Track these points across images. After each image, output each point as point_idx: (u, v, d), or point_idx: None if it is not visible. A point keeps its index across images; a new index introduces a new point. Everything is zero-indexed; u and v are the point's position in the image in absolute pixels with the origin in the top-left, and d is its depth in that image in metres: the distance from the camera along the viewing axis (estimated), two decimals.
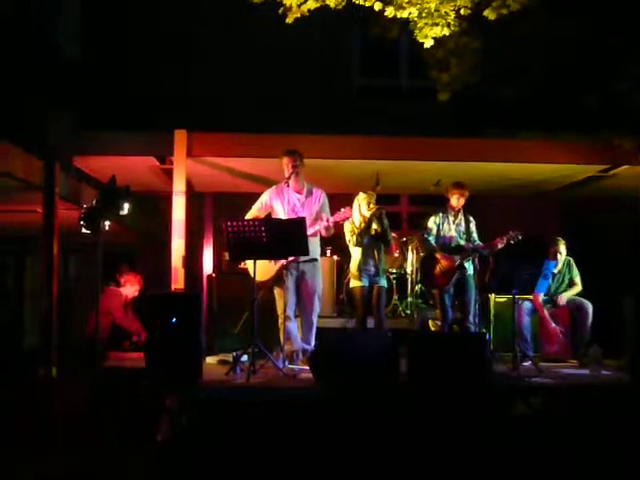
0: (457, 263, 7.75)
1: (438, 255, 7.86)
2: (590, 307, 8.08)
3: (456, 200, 7.92)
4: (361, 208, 7.57)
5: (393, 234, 8.63)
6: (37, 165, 7.48)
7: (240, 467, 5.53)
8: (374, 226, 7.53)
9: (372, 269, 7.56)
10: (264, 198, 7.43)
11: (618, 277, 9.21)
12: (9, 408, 6.68)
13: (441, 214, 8.00)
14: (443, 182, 8.33)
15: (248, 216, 7.33)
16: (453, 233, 7.96)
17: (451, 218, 7.98)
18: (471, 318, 7.82)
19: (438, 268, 7.86)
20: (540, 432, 5.80)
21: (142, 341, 8.69)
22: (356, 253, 7.61)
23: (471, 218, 8.06)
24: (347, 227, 7.57)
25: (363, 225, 7.53)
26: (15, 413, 6.58)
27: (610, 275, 9.32)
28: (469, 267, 7.87)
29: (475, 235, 8.03)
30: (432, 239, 7.96)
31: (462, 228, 7.98)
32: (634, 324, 6.89)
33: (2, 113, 7.54)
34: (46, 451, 5.90)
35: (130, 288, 8.99)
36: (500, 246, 7.66)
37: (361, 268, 7.52)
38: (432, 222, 8.00)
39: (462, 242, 7.92)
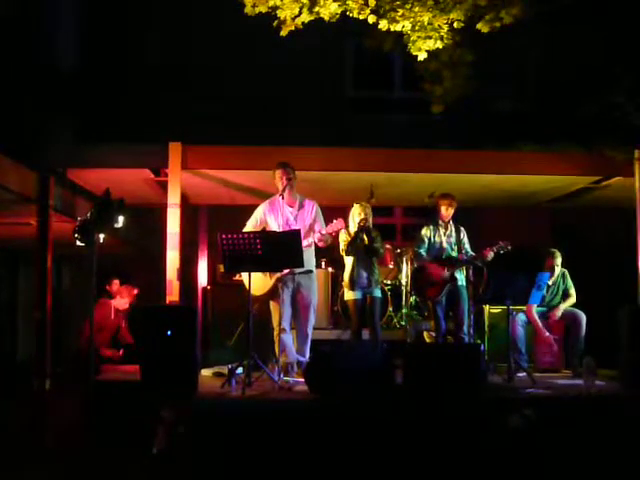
0: (447, 274, 7.77)
1: (427, 265, 7.88)
2: (584, 318, 8.11)
3: (445, 210, 7.96)
4: (354, 219, 7.61)
5: (388, 245, 8.64)
6: (31, 178, 7.50)
7: (235, 478, 5.53)
8: (363, 237, 7.55)
9: (365, 281, 7.57)
10: (258, 214, 7.41)
11: (611, 288, 9.25)
12: (2, 420, 6.65)
13: (432, 226, 8.02)
14: (437, 194, 8.36)
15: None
16: (444, 244, 7.98)
17: (442, 229, 8.01)
18: (465, 329, 7.83)
19: (429, 279, 7.88)
20: (534, 443, 5.79)
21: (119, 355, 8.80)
22: (349, 264, 7.63)
23: (462, 228, 8.09)
24: (342, 237, 7.60)
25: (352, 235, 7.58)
26: (9, 425, 6.56)
27: (603, 286, 9.35)
28: (461, 278, 7.89)
29: (467, 246, 8.05)
30: (423, 251, 7.98)
31: (452, 239, 8.00)
32: (628, 335, 6.90)
33: None
34: (40, 464, 5.87)
35: (120, 300, 9.03)
36: (490, 256, 7.69)
37: (354, 279, 7.54)
38: (423, 234, 8.02)
39: (453, 253, 7.94)
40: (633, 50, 8.11)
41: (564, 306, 8.27)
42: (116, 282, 9.19)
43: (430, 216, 8.15)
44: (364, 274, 7.57)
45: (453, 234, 8.02)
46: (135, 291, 9.14)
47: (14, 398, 7.23)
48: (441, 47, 7.40)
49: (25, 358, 10.31)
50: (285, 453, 5.58)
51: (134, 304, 9.12)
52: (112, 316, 8.97)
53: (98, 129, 9.12)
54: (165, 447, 5.60)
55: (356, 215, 7.62)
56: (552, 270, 8.28)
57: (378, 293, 7.70)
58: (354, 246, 7.55)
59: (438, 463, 5.61)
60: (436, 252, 7.97)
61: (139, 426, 5.79)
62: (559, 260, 8.32)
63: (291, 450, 5.60)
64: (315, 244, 7.23)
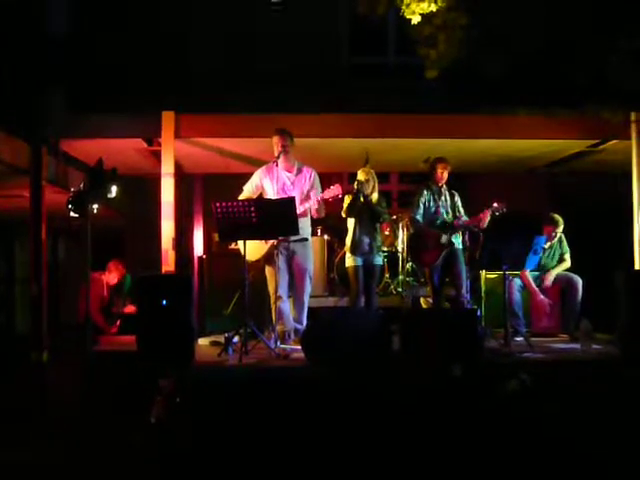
0: (445, 239, 7.72)
1: (424, 230, 7.85)
2: (580, 282, 8.10)
3: (440, 174, 7.91)
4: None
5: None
6: (23, 149, 7.44)
7: (233, 446, 5.53)
8: (360, 199, 7.53)
9: (366, 247, 7.56)
10: (254, 179, 7.39)
11: (608, 252, 9.23)
12: (1, 393, 6.66)
13: (426, 191, 7.98)
14: (432, 159, 8.32)
15: (240, 198, 7.28)
16: (440, 209, 7.94)
17: (436, 194, 7.96)
18: (464, 292, 7.81)
19: (426, 245, 7.84)
20: (531, 407, 5.81)
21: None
22: (351, 229, 7.61)
23: (455, 193, 8.06)
24: (347, 200, 7.60)
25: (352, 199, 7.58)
26: (7, 398, 6.56)
27: (600, 250, 9.33)
28: (457, 241, 7.84)
29: (461, 210, 8.02)
30: (419, 217, 7.94)
31: (448, 203, 7.96)
32: (624, 298, 6.89)
33: None
34: (41, 434, 5.89)
35: (109, 275, 9.02)
36: (486, 219, 7.61)
37: (356, 244, 7.54)
38: (418, 199, 7.97)
39: (448, 217, 7.89)
40: (625, 12, 8.03)
41: (556, 271, 8.26)
42: (114, 258, 9.17)
43: (424, 181, 8.10)
44: (366, 239, 7.56)
45: (447, 198, 7.98)
46: (122, 268, 9.13)
47: (12, 371, 7.22)
48: (435, 10, 7.33)
49: (23, 331, 10.31)
50: (282, 421, 5.59)
51: (122, 280, 9.10)
52: (105, 292, 8.95)
53: (90, 99, 8.99)
54: (163, 416, 5.60)
55: (358, 179, 7.62)
56: (554, 237, 8.25)
57: (379, 261, 7.71)
58: (354, 207, 7.53)
59: (435, 428, 5.62)
60: (431, 217, 7.93)
61: (137, 396, 5.80)
62: (561, 228, 8.28)
63: (288, 418, 5.61)
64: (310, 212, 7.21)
